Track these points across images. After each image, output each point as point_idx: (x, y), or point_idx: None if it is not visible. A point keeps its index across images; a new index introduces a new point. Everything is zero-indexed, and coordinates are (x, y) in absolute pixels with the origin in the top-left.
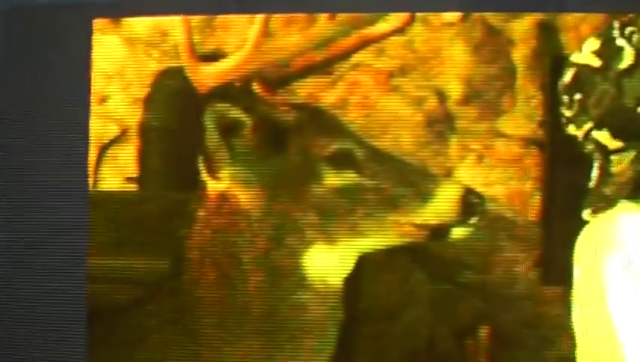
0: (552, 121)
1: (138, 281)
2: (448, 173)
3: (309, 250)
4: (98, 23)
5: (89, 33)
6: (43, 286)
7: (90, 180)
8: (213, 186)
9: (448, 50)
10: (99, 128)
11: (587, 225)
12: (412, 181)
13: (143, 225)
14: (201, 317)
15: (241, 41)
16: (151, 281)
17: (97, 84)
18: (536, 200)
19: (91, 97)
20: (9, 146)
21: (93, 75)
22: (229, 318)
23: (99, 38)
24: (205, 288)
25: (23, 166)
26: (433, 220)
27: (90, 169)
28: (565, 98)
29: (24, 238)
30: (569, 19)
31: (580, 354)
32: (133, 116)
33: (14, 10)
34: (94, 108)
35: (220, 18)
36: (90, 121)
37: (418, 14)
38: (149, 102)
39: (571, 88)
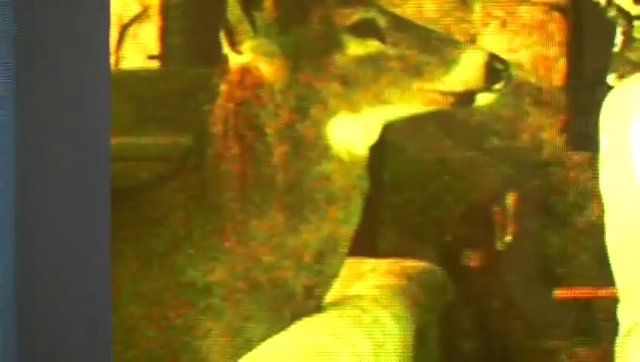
0: None
1: (162, 158)
2: (472, 40)
3: (333, 119)
4: None
5: None
6: (65, 170)
7: (112, 59)
8: (236, 60)
9: None
10: (119, 7)
11: (612, 90)
12: (436, 48)
13: (166, 102)
14: (226, 192)
15: None
16: (174, 157)
17: None
18: (561, 65)
19: None
20: (29, 27)
21: None
22: (254, 191)
23: None
24: (229, 162)
25: (41, 50)
26: (458, 87)
27: (112, 48)
28: None
29: (44, 119)
30: None
31: (609, 219)
32: None
33: None
34: None
35: None
36: (111, 2)
37: None
38: None
39: None
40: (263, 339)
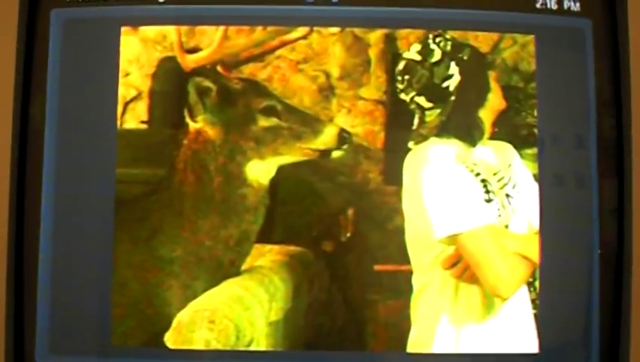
0: (391, 91)
1: (147, 182)
2: (331, 119)
3: (250, 163)
4: (124, 29)
5: (119, 35)
6: (86, 187)
7: (118, 122)
8: (193, 126)
9: (332, 48)
10: (124, 92)
11: (411, 151)
12: (310, 124)
13: (150, 149)
14: (184, 203)
15: (210, 41)
16: (154, 182)
17: (123, 65)
18: (381, 135)
19: (120, 73)
20: (62, 112)
21: (120, 60)
22: (201, 203)
23: (124, 37)
24: (187, 185)
25: (72, 111)
26: (322, 146)
27: (118, 115)
28: (399, 78)
29: (73, 155)
30: (403, 32)
31: (407, 224)
32: (145, 84)
33: (68, 21)
34: (121, 80)
35: (198, 28)
36: (119, 88)
37: (315, 28)
38: (154, 76)
39: (402, 72)
40: (203, 292)
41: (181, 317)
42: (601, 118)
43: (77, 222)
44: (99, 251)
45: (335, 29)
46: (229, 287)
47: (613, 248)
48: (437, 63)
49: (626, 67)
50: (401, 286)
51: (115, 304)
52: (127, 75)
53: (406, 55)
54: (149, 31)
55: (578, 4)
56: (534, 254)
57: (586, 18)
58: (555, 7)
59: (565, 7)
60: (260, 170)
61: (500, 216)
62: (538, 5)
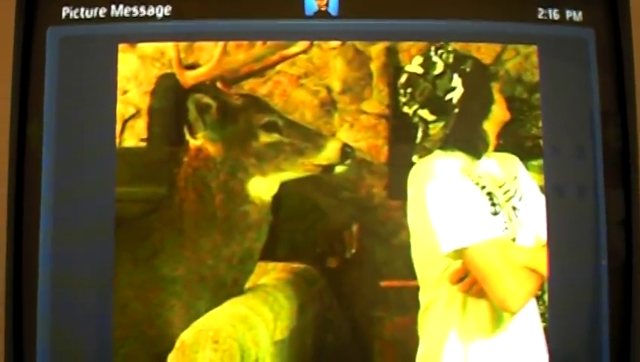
0: (394, 104)
1: (147, 200)
2: (333, 134)
3: (251, 180)
4: (122, 47)
5: (116, 52)
6: (86, 206)
7: (117, 141)
8: (193, 143)
9: (333, 63)
10: (122, 109)
11: (415, 165)
12: (312, 139)
13: (150, 167)
14: (186, 221)
15: (209, 57)
16: (155, 200)
17: (121, 83)
18: (385, 150)
19: (118, 91)
20: (60, 131)
21: (118, 77)
22: (202, 221)
23: (122, 55)
24: (188, 203)
25: (70, 130)
26: (325, 162)
27: (117, 134)
28: (401, 91)
29: (73, 173)
30: (404, 45)
31: (413, 239)
32: (144, 102)
33: (65, 39)
34: (120, 97)
35: (197, 44)
36: (117, 106)
37: (315, 42)
38: (153, 93)
39: (405, 85)
40: (206, 311)
41: (184, 338)
42: (605, 127)
43: (77, 242)
44: (99, 271)
45: (336, 43)
46: (232, 306)
47: (622, 259)
48: (439, 76)
49: (629, 76)
50: (407, 303)
51: (117, 325)
52: (125, 92)
53: (408, 68)
54: (147, 48)
55: (580, 14)
56: (542, 267)
57: (589, 28)
58: (557, 17)
59: (567, 17)
60: (262, 187)
61: (506, 229)
62: (540, 16)
